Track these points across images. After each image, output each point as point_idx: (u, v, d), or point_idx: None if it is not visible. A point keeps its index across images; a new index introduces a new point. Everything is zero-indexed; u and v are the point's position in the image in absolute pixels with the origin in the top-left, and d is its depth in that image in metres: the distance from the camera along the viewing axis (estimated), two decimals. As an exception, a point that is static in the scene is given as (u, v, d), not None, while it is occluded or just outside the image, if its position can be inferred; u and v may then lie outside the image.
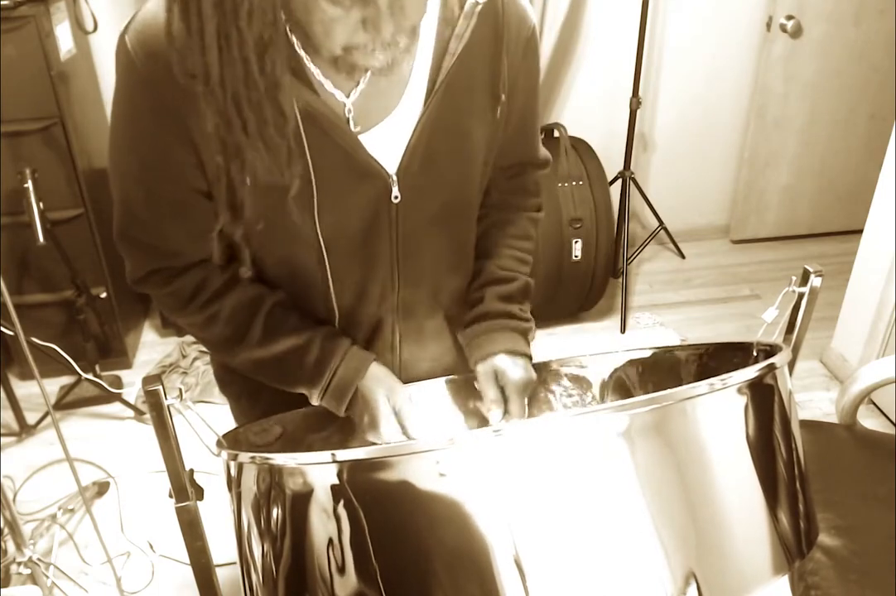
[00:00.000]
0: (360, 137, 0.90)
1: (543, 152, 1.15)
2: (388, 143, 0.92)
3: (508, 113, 0.99)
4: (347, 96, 0.89)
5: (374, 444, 1.01)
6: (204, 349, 2.82)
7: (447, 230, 1.04)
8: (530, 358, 1.09)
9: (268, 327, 1.00)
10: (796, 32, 3.03)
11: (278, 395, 1.06)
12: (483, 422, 1.13)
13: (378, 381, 1.03)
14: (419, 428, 1.01)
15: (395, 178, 0.93)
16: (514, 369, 1.06)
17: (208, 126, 0.78)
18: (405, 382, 1.09)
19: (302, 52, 0.84)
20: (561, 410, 1.18)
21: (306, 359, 1.01)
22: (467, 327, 1.11)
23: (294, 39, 0.81)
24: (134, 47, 0.82)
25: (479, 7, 0.88)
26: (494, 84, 0.95)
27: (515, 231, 1.14)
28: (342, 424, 1.10)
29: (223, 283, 1.00)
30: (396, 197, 0.94)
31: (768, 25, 3.06)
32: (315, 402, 1.04)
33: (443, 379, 1.18)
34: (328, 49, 0.78)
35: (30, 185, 2.17)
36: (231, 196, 0.87)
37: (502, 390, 1.06)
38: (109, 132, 0.92)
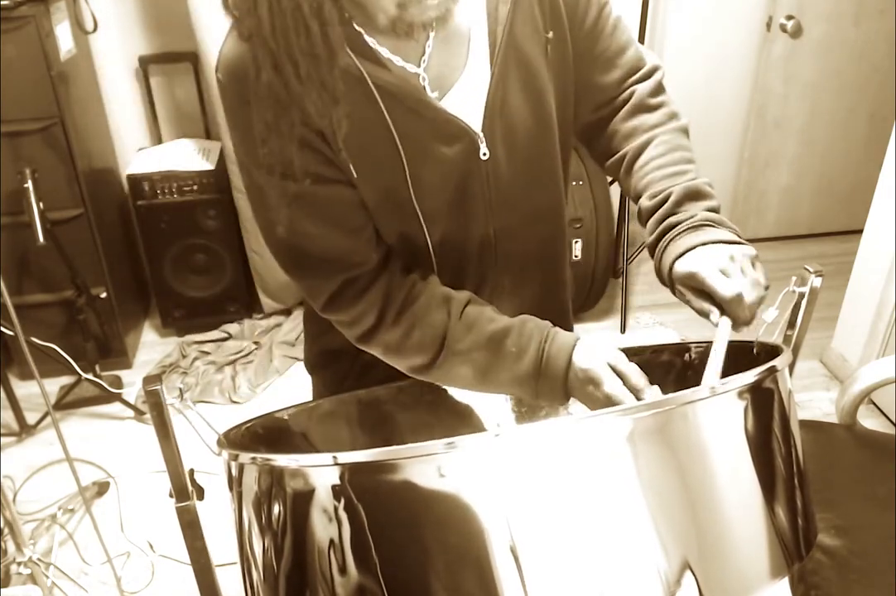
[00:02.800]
0: (441, 103, 0.93)
1: (642, 62, 1.07)
2: (467, 103, 0.95)
3: (577, 47, 1.01)
4: (418, 66, 0.93)
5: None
6: (204, 349, 2.82)
7: (534, 182, 1.04)
8: (725, 242, 0.96)
9: (465, 323, 0.96)
10: (796, 32, 3.03)
11: (390, 369, 1.02)
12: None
13: (592, 351, 0.91)
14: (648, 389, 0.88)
15: (481, 135, 0.95)
16: (699, 263, 0.92)
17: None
18: None
19: (361, 30, 0.87)
20: (560, 408, 1.18)
21: (507, 342, 0.94)
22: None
23: (348, 16, 0.85)
24: (222, 78, 0.90)
25: None
26: (542, 23, 0.97)
27: (656, 151, 1.02)
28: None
29: (408, 293, 0.97)
30: (485, 154, 0.96)
31: (768, 25, 3.06)
32: (529, 394, 0.95)
33: None
34: (382, 9, 0.82)
35: (30, 185, 2.18)
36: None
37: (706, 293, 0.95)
38: (242, 177, 0.94)
